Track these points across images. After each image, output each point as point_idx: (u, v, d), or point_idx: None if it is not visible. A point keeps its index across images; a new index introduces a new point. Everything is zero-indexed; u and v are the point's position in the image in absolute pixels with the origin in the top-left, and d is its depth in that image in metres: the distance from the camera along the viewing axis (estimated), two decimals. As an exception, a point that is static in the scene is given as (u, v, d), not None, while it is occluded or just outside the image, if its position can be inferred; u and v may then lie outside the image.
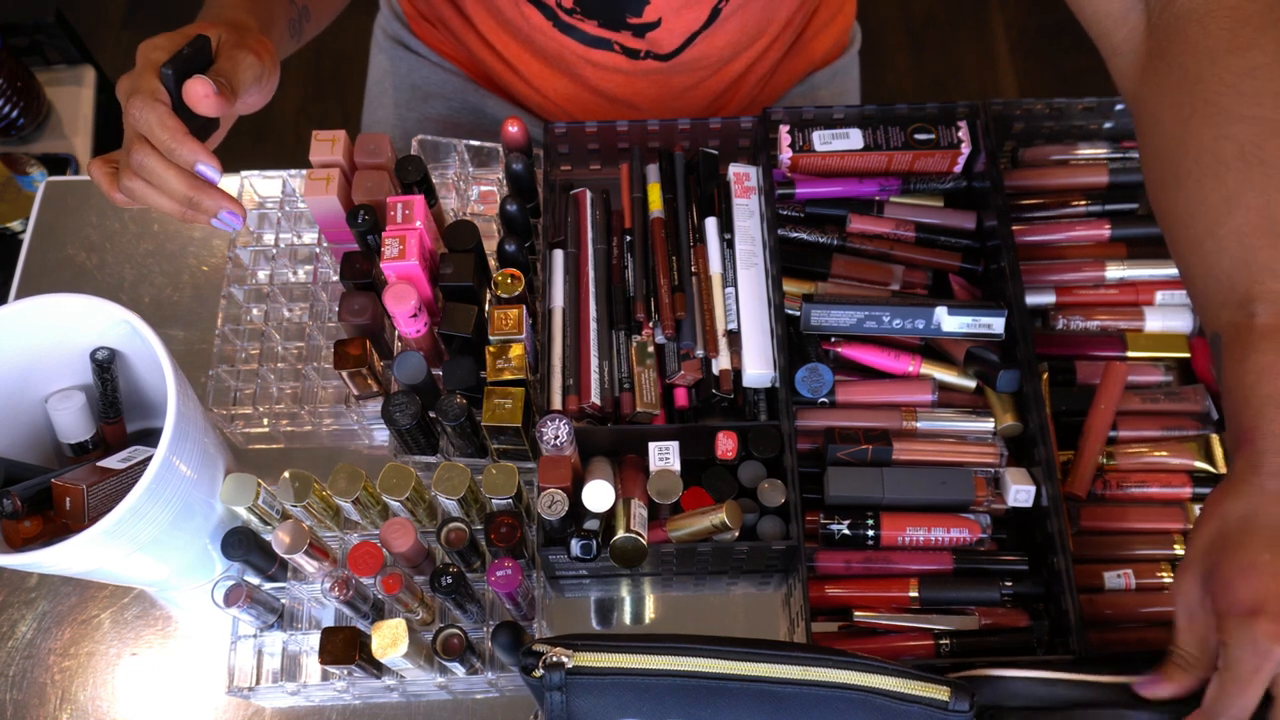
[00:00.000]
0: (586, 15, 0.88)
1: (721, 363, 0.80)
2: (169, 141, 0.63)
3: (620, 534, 0.70)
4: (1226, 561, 0.55)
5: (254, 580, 0.75)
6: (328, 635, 0.69)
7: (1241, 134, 0.59)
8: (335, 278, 0.88)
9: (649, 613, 0.80)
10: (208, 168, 0.64)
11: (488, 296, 0.83)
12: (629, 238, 0.86)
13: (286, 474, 0.73)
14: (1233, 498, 0.56)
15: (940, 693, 0.59)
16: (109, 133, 1.65)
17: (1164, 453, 0.79)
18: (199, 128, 0.65)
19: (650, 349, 0.81)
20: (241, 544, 0.72)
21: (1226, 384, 0.59)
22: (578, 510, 0.72)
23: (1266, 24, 0.60)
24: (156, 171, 0.64)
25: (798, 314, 0.80)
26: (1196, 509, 0.78)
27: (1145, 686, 0.60)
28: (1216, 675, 0.55)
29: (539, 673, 0.59)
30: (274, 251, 0.89)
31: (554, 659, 0.59)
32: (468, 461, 0.80)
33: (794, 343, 0.82)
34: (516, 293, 0.79)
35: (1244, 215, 0.58)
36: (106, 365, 0.75)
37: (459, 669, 0.73)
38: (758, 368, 0.79)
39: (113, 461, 0.73)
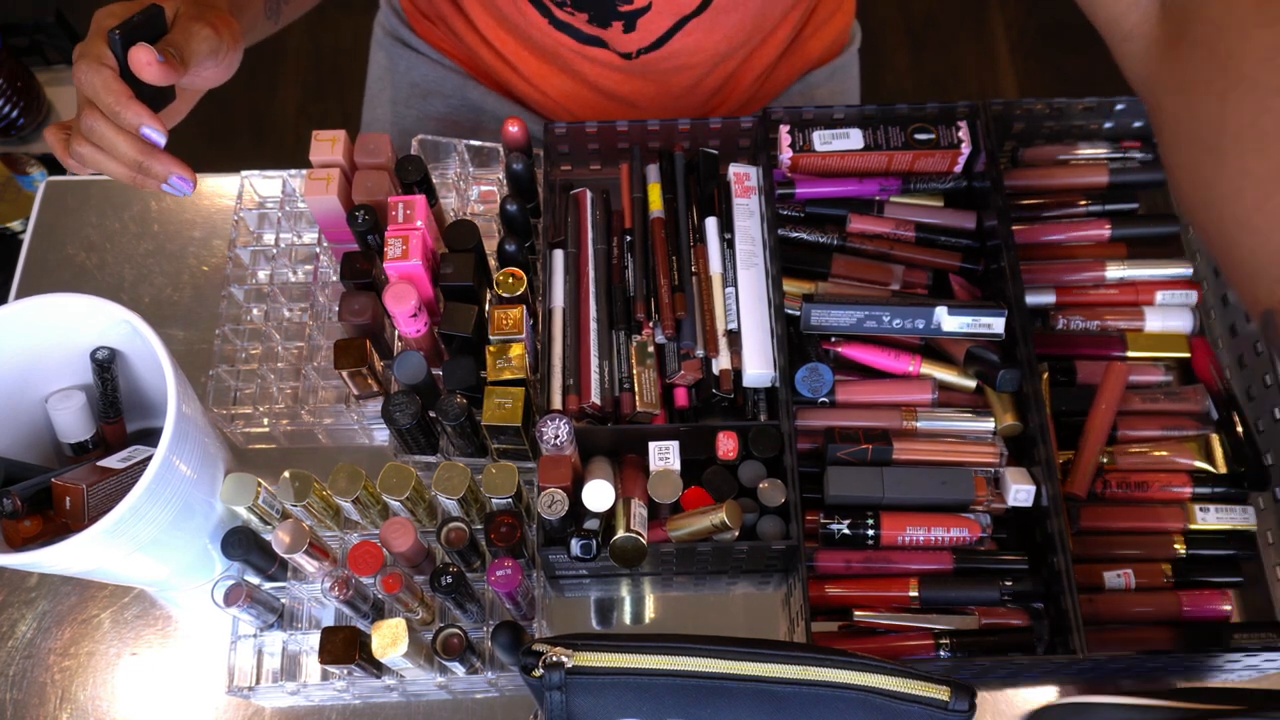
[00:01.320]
0: (577, 8, 0.87)
1: (721, 363, 0.80)
2: (113, 105, 0.63)
3: (620, 534, 0.70)
4: None
5: (254, 580, 0.75)
6: (328, 635, 0.69)
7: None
8: (335, 278, 0.88)
9: (649, 613, 0.80)
10: (153, 130, 0.64)
11: (488, 296, 0.83)
12: (629, 238, 0.86)
13: (286, 474, 0.73)
14: None
15: (940, 693, 0.59)
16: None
17: (1164, 453, 0.79)
18: (150, 97, 0.65)
19: (650, 349, 0.81)
20: (241, 544, 0.72)
21: None
22: (578, 510, 0.72)
23: None
24: (105, 136, 0.64)
25: (798, 314, 0.80)
26: (1197, 509, 0.78)
27: None
28: None
29: (539, 672, 0.59)
30: (274, 251, 0.89)
31: (554, 659, 0.59)
32: (468, 461, 0.80)
33: (794, 343, 0.82)
34: (517, 293, 0.79)
35: None
36: (106, 365, 0.75)
37: (459, 669, 0.73)
38: (758, 368, 0.79)
39: (113, 461, 0.73)
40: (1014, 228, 0.83)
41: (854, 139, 0.84)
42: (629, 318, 0.83)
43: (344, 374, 0.78)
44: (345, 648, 0.68)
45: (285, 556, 0.71)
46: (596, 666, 0.59)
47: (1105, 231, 0.86)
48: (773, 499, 0.75)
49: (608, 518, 0.73)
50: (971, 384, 0.81)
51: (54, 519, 0.71)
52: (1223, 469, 0.79)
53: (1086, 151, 0.89)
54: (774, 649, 0.60)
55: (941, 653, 0.73)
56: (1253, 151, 0.59)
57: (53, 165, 1.55)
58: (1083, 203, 0.87)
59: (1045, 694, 0.77)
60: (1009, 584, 0.75)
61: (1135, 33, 0.67)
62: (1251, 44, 0.59)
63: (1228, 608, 0.75)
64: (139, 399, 0.79)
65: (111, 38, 0.62)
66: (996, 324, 0.78)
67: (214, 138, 1.89)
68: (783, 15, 0.95)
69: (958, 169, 0.86)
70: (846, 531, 0.76)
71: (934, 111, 0.86)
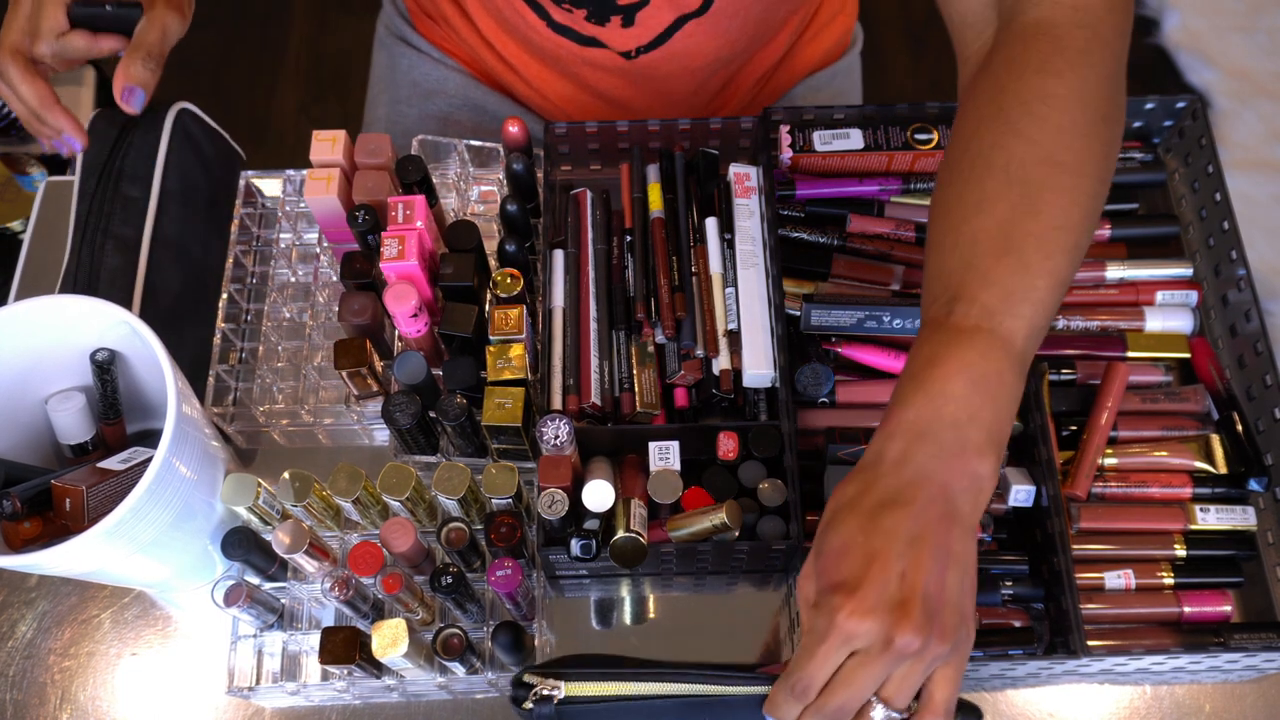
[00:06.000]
0: (575, 5, 0.87)
1: (721, 363, 0.80)
2: (37, 106, 0.78)
3: (620, 534, 0.70)
4: (825, 544, 0.56)
5: (254, 580, 0.75)
6: (328, 635, 0.69)
7: (1014, 149, 0.59)
8: (335, 278, 0.88)
9: (649, 613, 0.80)
10: (75, 140, 0.79)
11: (488, 296, 0.83)
12: (629, 238, 0.86)
13: (286, 474, 0.73)
14: (848, 480, 0.57)
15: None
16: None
17: (1164, 453, 0.79)
18: (112, 23, 0.75)
19: (650, 349, 0.81)
20: (241, 544, 0.72)
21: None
22: (578, 510, 0.72)
23: (1077, 61, 0.61)
24: (16, 87, 0.78)
25: (798, 314, 0.80)
26: (1197, 509, 0.78)
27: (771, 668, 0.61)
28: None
29: (529, 705, 0.59)
30: (274, 251, 0.89)
31: (544, 692, 0.58)
32: (468, 461, 0.80)
33: (794, 343, 0.82)
34: (516, 293, 0.79)
35: (985, 221, 0.59)
36: (106, 366, 0.75)
37: (459, 669, 0.73)
38: (758, 368, 0.79)
39: (113, 463, 0.73)
40: (1014, 228, 0.83)
41: (854, 139, 0.84)
42: (629, 318, 0.83)
43: (344, 374, 0.78)
44: (345, 648, 0.68)
45: (285, 557, 0.71)
46: (588, 696, 0.59)
47: (1105, 231, 0.86)
48: (773, 499, 0.75)
49: (608, 518, 0.73)
50: (971, 384, 0.80)
51: (54, 521, 0.71)
52: (1223, 469, 0.79)
53: (1086, 151, 0.89)
54: (773, 674, 0.60)
55: (941, 653, 0.73)
56: (973, 180, 0.60)
57: (53, 165, 1.55)
58: (1083, 203, 0.87)
59: (1045, 694, 0.77)
60: (1009, 584, 0.75)
61: (973, 58, 0.68)
62: (1021, 85, 0.61)
63: (1228, 608, 0.75)
64: (139, 400, 0.79)
65: (75, 14, 0.73)
66: (996, 324, 0.78)
67: (214, 138, 1.88)
68: (784, 19, 0.95)
69: (958, 169, 0.86)
70: (846, 532, 0.75)
71: (934, 111, 0.86)
